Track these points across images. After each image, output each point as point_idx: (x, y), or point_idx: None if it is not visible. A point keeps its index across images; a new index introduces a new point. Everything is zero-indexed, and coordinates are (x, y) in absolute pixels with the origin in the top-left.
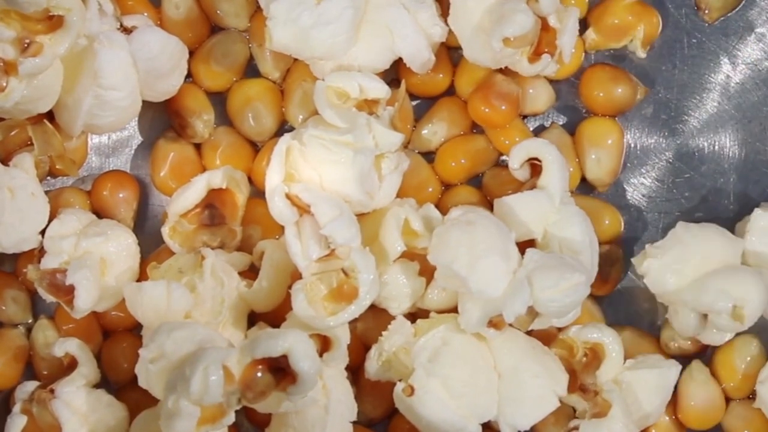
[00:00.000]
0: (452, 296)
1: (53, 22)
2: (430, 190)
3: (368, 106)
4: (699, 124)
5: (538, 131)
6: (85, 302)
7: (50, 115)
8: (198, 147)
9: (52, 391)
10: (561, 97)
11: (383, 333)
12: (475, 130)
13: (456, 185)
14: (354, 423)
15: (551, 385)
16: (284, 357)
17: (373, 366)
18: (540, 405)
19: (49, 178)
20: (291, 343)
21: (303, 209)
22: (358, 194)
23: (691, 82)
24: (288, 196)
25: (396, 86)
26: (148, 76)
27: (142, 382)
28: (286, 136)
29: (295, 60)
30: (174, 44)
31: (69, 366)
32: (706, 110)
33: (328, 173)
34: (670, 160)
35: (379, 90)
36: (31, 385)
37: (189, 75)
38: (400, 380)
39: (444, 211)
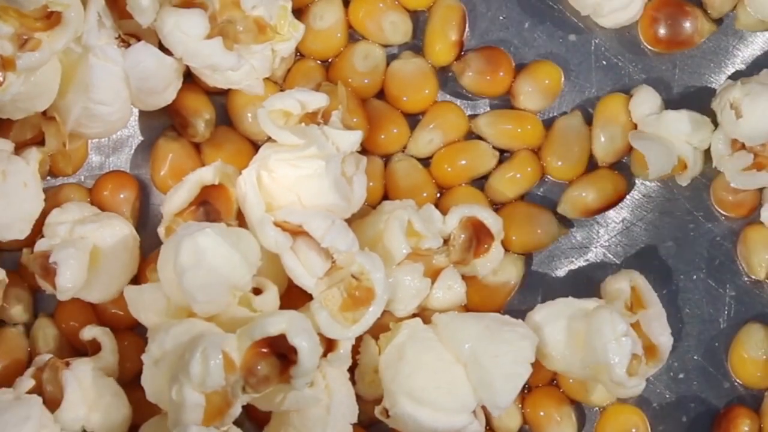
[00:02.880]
0: (457, 295)
1: (51, 19)
2: (425, 195)
3: (309, 118)
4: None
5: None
6: (67, 280)
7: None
8: (198, 146)
9: (67, 363)
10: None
11: (357, 356)
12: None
13: (457, 186)
14: (353, 424)
15: (515, 358)
16: (283, 338)
17: (362, 389)
18: (511, 380)
19: (49, 177)
20: (287, 320)
21: (294, 231)
22: (338, 200)
23: (691, 82)
24: (276, 224)
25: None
26: (140, 93)
27: (150, 395)
28: (250, 170)
29: (296, 60)
30: (169, 64)
31: (93, 353)
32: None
33: (305, 190)
34: None
35: (319, 100)
36: (48, 356)
37: (189, 75)
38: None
39: (444, 212)
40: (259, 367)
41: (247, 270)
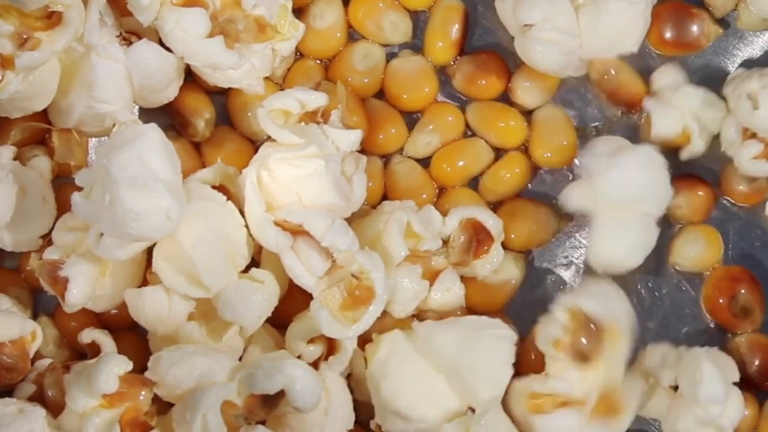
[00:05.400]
0: (456, 297)
1: (52, 19)
2: (424, 196)
3: (309, 117)
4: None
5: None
6: (76, 297)
7: (44, 113)
8: (198, 146)
9: (68, 367)
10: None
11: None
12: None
13: (453, 188)
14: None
15: (494, 365)
16: None
17: (360, 395)
18: (492, 387)
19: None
20: (287, 380)
21: (295, 231)
22: (338, 200)
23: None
24: (276, 224)
25: None
26: (143, 90)
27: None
28: (250, 169)
29: (296, 60)
30: (171, 61)
31: (92, 355)
32: None
33: (305, 189)
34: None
35: (318, 99)
36: (49, 361)
37: (189, 74)
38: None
39: (442, 213)
40: (259, 410)
41: (242, 234)
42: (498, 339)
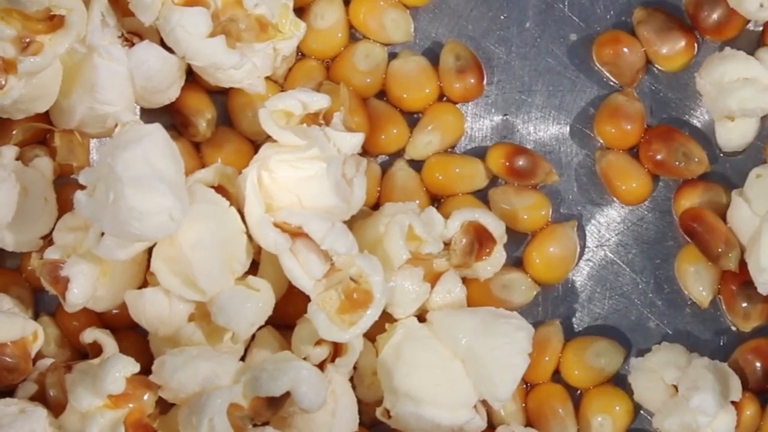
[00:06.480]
0: (457, 300)
1: (54, 22)
2: (418, 202)
3: (310, 119)
4: (699, 123)
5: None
6: (77, 297)
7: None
8: (198, 146)
9: (69, 366)
10: None
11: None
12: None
13: (456, 195)
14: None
15: (512, 350)
16: None
17: (362, 392)
18: (509, 371)
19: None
20: (292, 382)
21: (294, 233)
22: (338, 203)
23: (691, 82)
24: (276, 225)
25: None
26: (145, 91)
27: None
28: (251, 170)
29: (297, 60)
30: (173, 63)
31: (94, 355)
32: (707, 110)
33: (305, 191)
34: None
35: (321, 101)
36: (50, 360)
37: (190, 74)
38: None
39: (444, 216)
40: (264, 411)
41: (242, 241)
42: (517, 327)
